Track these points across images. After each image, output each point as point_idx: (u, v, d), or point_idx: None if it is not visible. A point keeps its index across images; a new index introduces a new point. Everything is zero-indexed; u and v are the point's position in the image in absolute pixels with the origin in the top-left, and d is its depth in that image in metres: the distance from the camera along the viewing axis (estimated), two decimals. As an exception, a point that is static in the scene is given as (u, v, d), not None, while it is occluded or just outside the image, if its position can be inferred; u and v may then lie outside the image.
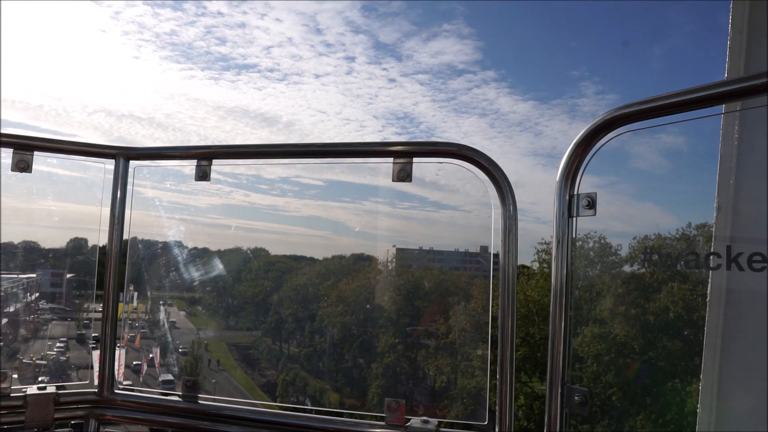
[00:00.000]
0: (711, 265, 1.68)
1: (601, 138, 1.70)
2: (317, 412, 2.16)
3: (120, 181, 2.37)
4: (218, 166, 2.34)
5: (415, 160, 1.98)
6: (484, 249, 2.09)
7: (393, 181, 1.98)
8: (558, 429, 1.77)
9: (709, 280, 1.75)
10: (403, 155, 1.98)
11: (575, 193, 1.75)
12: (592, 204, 1.71)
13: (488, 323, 2.01)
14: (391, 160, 2.00)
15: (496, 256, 1.91)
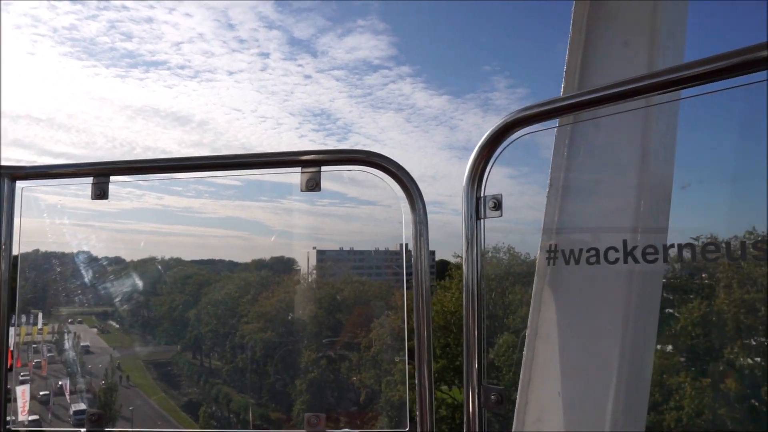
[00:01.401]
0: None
1: (505, 140, 1.74)
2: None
3: (5, 204, 2.18)
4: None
5: (324, 168, 1.96)
6: (396, 254, 2.09)
7: (302, 191, 1.94)
8: (477, 429, 1.79)
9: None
10: (312, 164, 1.95)
11: (482, 195, 1.79)
12: (498, 205, 1.76)
13: (405, 329, 2.01)
14: (299, 169, 1.96)
15: (409, 263, 1.92)
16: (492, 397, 1.78)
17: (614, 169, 1.85)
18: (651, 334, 1.87)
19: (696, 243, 1.40)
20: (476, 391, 1.81)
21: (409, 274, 1.92)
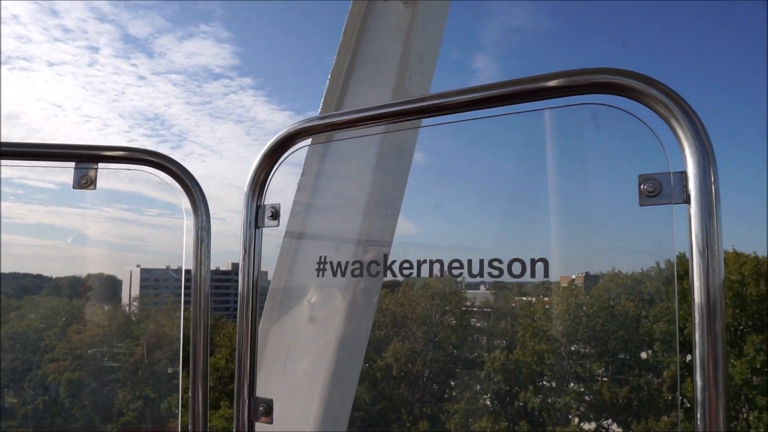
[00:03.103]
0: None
1: (286, 150, 1.75)
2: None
3: None
4: None
5: (101, 165, 1.83)
6: (176, 270, 2.01)
7: (74, 188, 1.80)
8: (242, 441, 1.75)
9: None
10: (87, 160, 1.81)
11: (262, 203, 1.77)
12: (275, 215, 1.75)
13: (181, 339, 1.93)
14: (73, 164, 1.82)
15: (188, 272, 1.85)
16: (261, 408, 1.76)
17: (355, 187, 1.95)
18: (365, 333, 2.31)
19: (443, 260, 1.48)
20: (246, 403, 1.77)
21: (188, 281, 1.85)
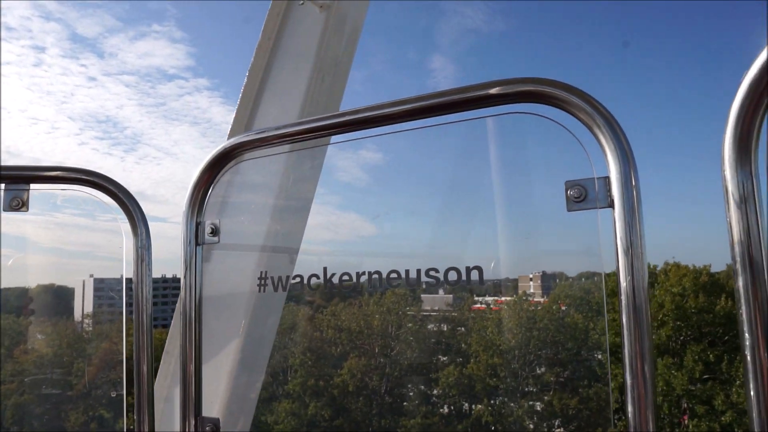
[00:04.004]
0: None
1: (224, 166, 1.74)
2: None
3: None
4: None
5: (33, 186, 1.79)
6: (128, 280, 1.97)
7: (5, 210, 1.75)
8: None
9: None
10: (18, 181, 1.77)
11: (202, 220, 1.76)
12: (216, 231, 1.74)
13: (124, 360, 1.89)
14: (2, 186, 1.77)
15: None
16: (207, 428, 1.74)
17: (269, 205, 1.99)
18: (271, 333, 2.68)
19: (382, 272, 1.50)
20: (193, 423, 1.75)
21: (130, 300, 1.82)
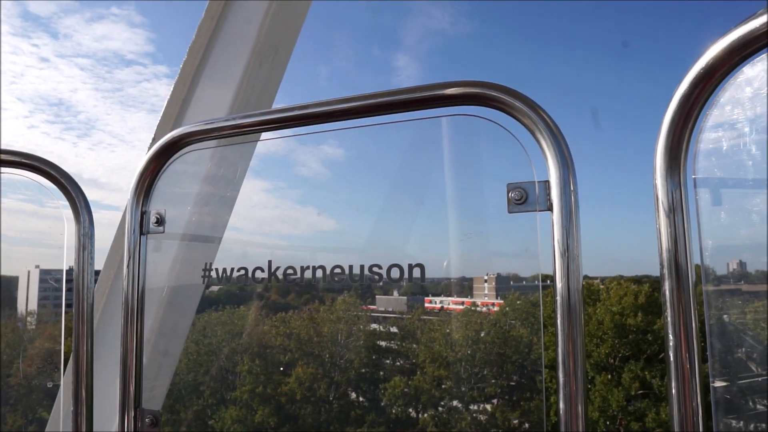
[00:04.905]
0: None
1: (172, 156, 1.71)
2: None
3: None
4: None
5: (-29, 170, 1.73)
6: (69, 272, 1.93)
7: (-61, 193, 1.69)
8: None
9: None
10: (-46, 163, 1.71)
11: (147, 209, 1.73)
12: (161, 221, 1.71)
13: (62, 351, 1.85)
14: (-61, 168, 1.71)
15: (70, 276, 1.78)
16: (147, 419, 1.72)
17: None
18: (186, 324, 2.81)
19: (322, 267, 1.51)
20: (132, 415, 1.72)
21: (69, 290, 1.78)
